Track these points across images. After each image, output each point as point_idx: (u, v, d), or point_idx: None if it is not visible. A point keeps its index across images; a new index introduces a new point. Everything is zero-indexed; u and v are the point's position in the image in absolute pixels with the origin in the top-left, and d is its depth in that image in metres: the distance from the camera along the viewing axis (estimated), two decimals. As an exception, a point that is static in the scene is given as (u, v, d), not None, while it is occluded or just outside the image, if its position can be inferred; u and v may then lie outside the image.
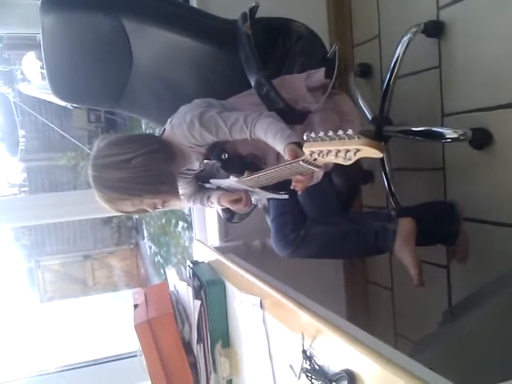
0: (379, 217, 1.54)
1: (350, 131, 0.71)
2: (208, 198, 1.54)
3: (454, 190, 1.75)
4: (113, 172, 1.25)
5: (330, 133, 0.74)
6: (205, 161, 1.35)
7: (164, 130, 1.38)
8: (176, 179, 1.38)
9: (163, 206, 1.37)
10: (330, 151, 0.76)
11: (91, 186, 1.30)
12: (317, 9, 2.17)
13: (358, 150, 0.72)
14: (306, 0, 2.15)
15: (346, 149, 0.73)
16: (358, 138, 0.71)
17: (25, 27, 1.97)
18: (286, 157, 1.06)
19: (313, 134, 0.78)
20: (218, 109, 1.32)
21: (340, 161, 0.76)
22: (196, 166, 1.41)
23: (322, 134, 0.76)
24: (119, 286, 9.01)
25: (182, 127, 1.30)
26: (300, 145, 1.04)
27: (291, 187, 1.13)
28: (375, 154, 0.72)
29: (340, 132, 0.73)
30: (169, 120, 1.37)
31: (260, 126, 1.21)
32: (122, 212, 1.37)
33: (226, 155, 1.30)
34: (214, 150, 1.31)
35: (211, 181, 1.41)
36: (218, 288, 1.44)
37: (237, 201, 1.46)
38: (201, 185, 1.55)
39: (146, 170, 1.26)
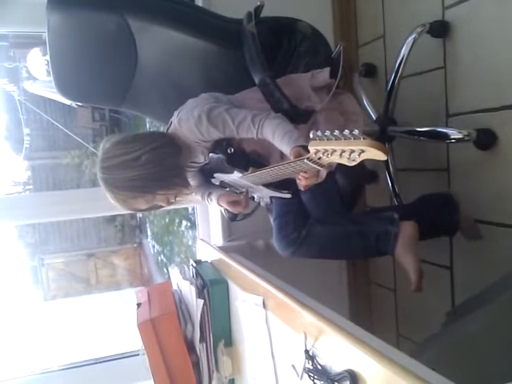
0: (382, 219, 1.53)
1: (356, 131, 0.71)
2: (209, 194, 1.54)
3: (458, 190, 1.75)
4: (123, 172, 1.25)
5: (336, 132, 0.74)
6: (210, 154, 1.35)
7: (171, 123, 1.39)
8: (185, 171, 1.38)
9: (175, 200, 1.37)
10: (334, 150, 0.76)
11: (103, 188, 1.29)
12: (322, 8, 2.17)
13: (362, 151, 0.71)
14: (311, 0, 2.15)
15: (350, 149, 0.72)
16: (364, 138, 0.70)
17: (30, 25, 1.97)
18: (292, 158, 1.06)
19: (319, 133, 0.78)
20: (226, 105, 1.33)
21: (344, 161, 0.76)
22: (201, 159, 1.42)
23: (328, 132, 0.76)
24: (122, 285, 9.02)
25: (189, 122, 1.31)
26: (307, 148, 1.04)
27: (297, 180, 1.13)
28: (380, 156, 0.71)
29: (346, 132, 0.72)
30: (176, 113, 1.37)
31: (268, 126, 1.22)
32: (135, 210, 1.36)
33: (232, 149, 1.30)
34: (221, 144, 1.32)
35: (215, 175, 1.41)
36: (221, 287, 1.44)
37: (235, 202, 1.46)
38: (204, 179, 1.55)
39: (156, 166, 1.26)
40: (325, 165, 0.91)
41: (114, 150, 1.28)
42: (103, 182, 1.28)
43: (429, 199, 1.65)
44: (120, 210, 1.33)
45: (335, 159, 0.78)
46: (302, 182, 1.11)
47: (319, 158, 0.85)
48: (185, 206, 1.45)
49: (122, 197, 1.28)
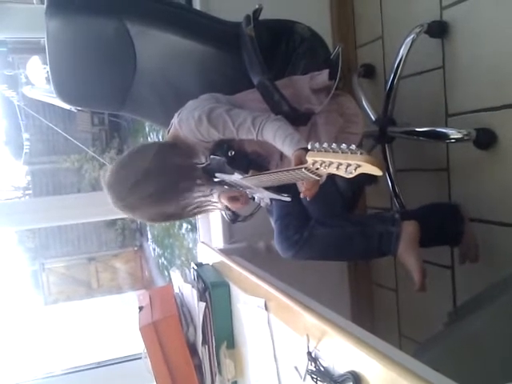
0: (383, 219, 1.53)
1: (353, 146, 0.72)
2: (210, 191, 1.55)
3: (458, 190, 1.75)
4: (143, 188, 1.24)
5: (334, 145, 0.75)
6: (211, 156, 1.36)
7: (171, 124, 1.40)
8: (192, 170, 1.38)
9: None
10: (332, 163, 0.76)
11: (135, 215, 1.31)
12: (320, 10, 2.17)
13: (358, 166, 0.72)
14: (309, 2, 2.15)
15: (347, 163, 0.73)
16: (361, 153, 0.71)
17: (29, 31, 1.97)
18: (295, 162, 1.07)
19: (317, 144, 0.79)
20: (226, 106, 1.33)
21: (341, 173, 0.77)
22: (202, 159, 1.42)
23: (325, 145, 0.77)
24: (123, 288, 9.03)
25: (189, 122, 1.31)
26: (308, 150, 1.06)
27: (301, 196, 1.14)
28: (376, 171, 0.72)
29: (343, 146, 0.73)
30: (176, 114, 1.38)
31: (269, 129, 1.22)
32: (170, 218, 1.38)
33: (233, 152, 1.31)
34: (221, 147, 1.32)
35: (217, 175, 1.42)
36: (223, 290, 1.44)
37: (235, 198, 1.47)
38: (206, 178, 1.55)
39: (166, 169, 1.27)
40: (322, 175, 0.91)
41: (120, 174, 1.27)
42: (130, 210, 1.28)
43: (435, 207, 1.64)
44: (121, 214, 1.33)
45: (332, 171, 0.78)
46: (305, 192, 1.12)
47: (317, 169, 0.86)
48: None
49: (154, 212, 1.30)
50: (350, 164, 0.73)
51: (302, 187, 1.12)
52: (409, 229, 1.48)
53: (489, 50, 1.55)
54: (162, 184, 1.25)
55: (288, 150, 1.15)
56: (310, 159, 0.82)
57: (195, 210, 1.41)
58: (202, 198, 1.40)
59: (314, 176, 0.92)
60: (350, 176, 0.76)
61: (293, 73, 1.49)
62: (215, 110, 1.30)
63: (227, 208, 1.67)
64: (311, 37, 1.53)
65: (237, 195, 1.46)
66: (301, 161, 1.03)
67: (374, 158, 0.71)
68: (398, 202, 1.92)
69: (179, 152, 1.35)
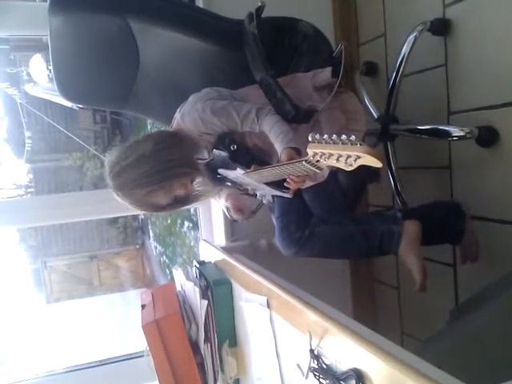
0: (385, 218, 1.53)
1: (353, 137, 0.72)
2: (219, 190, 1.57)
3: (460, 188, 1.75)
4: (134, 170, 1.26)
5: (334, 136, 0.75)
6: (214, 150, 1.36)
7: (174, 119, 1.40)
8: (191, 160, 1.38)
9: (192, 184, 1.39)
10: (332, 154, 0.77)
11: (120, 198, 1.31)
12: (322, 8, 2.17)
13: (358, 157, 0.72)
14: (312, -1, 2.15)
15: (347, 154, 0.73)
16: (360, 145, 0.71)
17: (32, 29, 1.97)
18: (282, 158, 1.11)
19: (317, 136, 0.79)
20: (228, 99, 1.35)
21: (341, 165, 0.77)
22: (205, 155, 1.42)
23: (326, 136, 0.77)
24: (125, 287, 9.03)
25: (192, 115, 1.32)
26: (298, 151, 1.12)
27: (284, 184, 1.15)
28: (375, 162, 0.72)
29: (343, 137, 0.73)
30: (178, 109, 1.39)
31: (268, 121, 1.26)
32: (157, 209, 1.37)
33: (235, 146, 1.31)
34: (224, 141, 1.33)
35: (219, 171, 1.42)
36: (225, 288, 1.44)
37: (239, 208, 1.54)
38: (212, 176, 1.55)
39: (161, 157, 1.28)
40: (323, 168, 0.92)
41: (118, 157, 1.30)
42: (118, 190, 1.29)
43: (436, 205, 1.64)
44: (127, 211, 1.34)
45: (332, 163, 0.79)
46: (289, 186, 1.14)
47: (317, 161, 0.86)
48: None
49: (141, 195, 1.29)
50: (349, 155, 0.73)
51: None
52: (411, 228, 1.48)
53: (491, 47, 1.55)
54: (159, 166, 1.27)
55: (279, 146, 1.19)
56: (310, 151, 0.83)
57: (187, 202, 1.43)
58: (198, 189, 1.41)
59: (314, 169, 0.93)
60: (350, 168, 0.76)
61: (296, 70, 1.49)
62: (219, 102, 1.32)
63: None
64: (314, 34, 1.53)
65: (242, 207, 1.48)
66: (291, 158, 1.08)
67: (373, 149, 0.71)
68: (400, 200, 1.92)
69: (180, 143, 1.35)
